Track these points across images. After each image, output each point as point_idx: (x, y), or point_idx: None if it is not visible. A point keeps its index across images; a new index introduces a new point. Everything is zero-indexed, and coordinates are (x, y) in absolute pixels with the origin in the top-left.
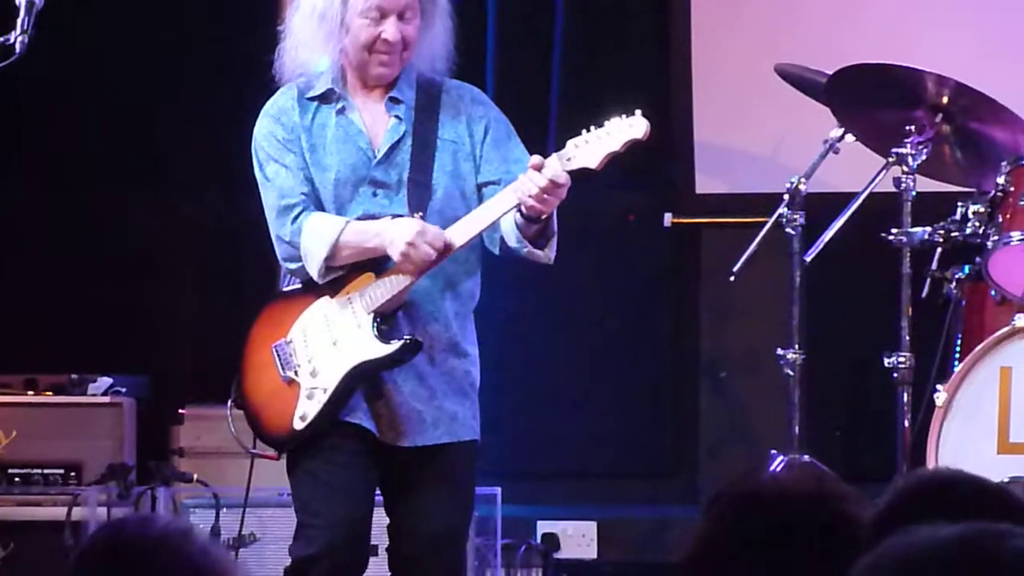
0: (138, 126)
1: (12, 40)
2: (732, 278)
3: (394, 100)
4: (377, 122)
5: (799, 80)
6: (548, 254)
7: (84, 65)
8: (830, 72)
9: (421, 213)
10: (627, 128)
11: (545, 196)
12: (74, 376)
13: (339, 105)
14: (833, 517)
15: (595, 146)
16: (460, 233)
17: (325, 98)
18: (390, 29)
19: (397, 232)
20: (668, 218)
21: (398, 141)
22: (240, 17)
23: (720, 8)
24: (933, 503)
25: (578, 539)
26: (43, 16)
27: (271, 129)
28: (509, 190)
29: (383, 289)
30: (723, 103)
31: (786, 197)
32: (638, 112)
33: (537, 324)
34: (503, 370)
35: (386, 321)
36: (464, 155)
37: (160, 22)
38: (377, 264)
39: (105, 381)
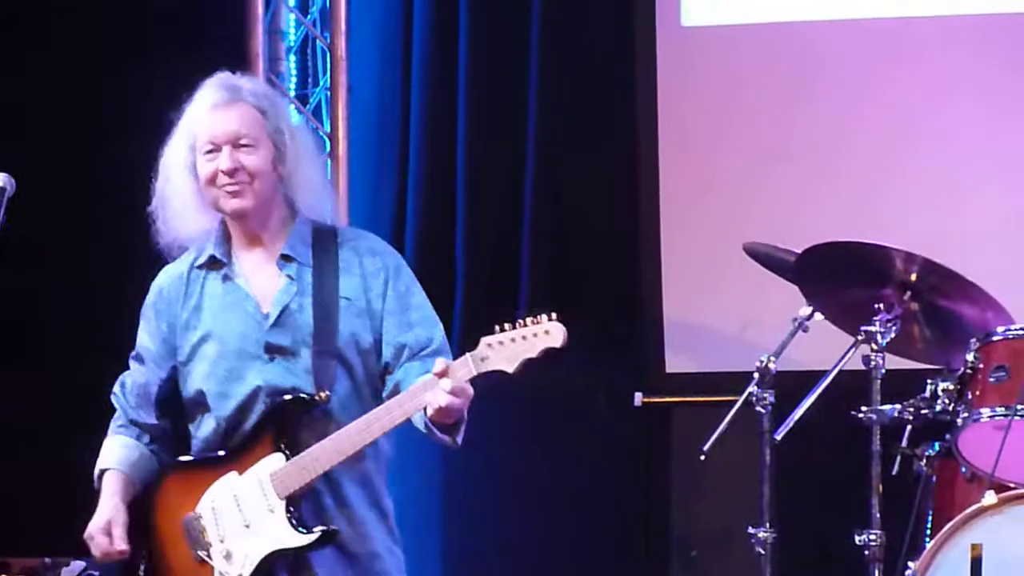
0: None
1: None
2: (703, 457)
3: (286, 258)
4: (267, 283)
5: (767, 258)
6: (456, 440)
7: None
8: (798, 250)
9: (326, 393)
10: (544, 336)
11: (450, 407)
12: (47, 560)
13: (224, 271)
14: None
15: (511, 349)
16: (343, 445)
17: (212, 264)
18: (224, 159)
19: (96, 516)
20: (638, 397)
21: (290, 303)
22: None
23: (688, 187)
24: None
25: None
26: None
27: (151, 307)
28: (407, 396)
29: (296, 476)
30: (692, 281)
31: (756, 375)
32: (554, 316)
33: (507, 500)
34: (474, 545)
35: (298, 506)
36: (360, 311)
37: None
38: (287, 443)
39: (78, 565)
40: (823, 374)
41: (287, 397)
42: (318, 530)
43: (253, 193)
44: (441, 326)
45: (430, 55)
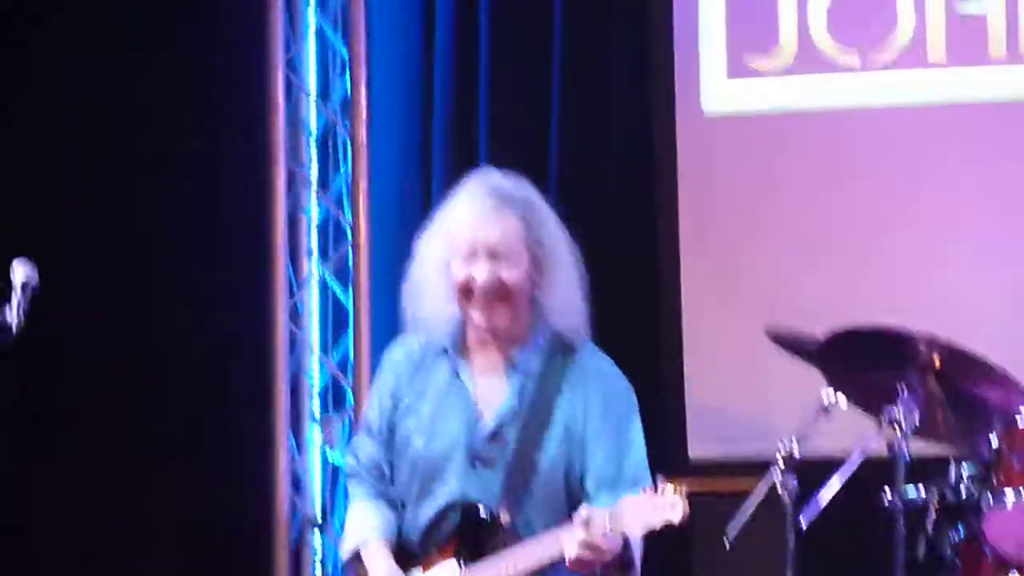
0: None
1: (8, 321)
2: (727, 542)
3: (515, 366)
4: (491, 391)
5: (790, 343)
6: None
7: None
8: (820, 334)
9: (507, 517)
10: (669, 509)
11: (580, 560)
12: None
13: (454, 366)
14: None
15: (644, 514)
16: None
17: (444, 353)
18: (481, 270)
19: None
20: (660, 483)
21: (509, 420)
22: None
23: (709, 274)
24: None
25: None
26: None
27: (376, 393)
28: (551, 535)
29: None
30: (714, 367)
31: (779, 461)
32: (682, 491)
33: None
34: None
35: None
36: (571, 437)
37: None
38: (464, 555)
39: None
40: (846, 459)
41: (476, 512)
42: None
43: (506, 309)
44: (647, 466)
45: (450, 145)
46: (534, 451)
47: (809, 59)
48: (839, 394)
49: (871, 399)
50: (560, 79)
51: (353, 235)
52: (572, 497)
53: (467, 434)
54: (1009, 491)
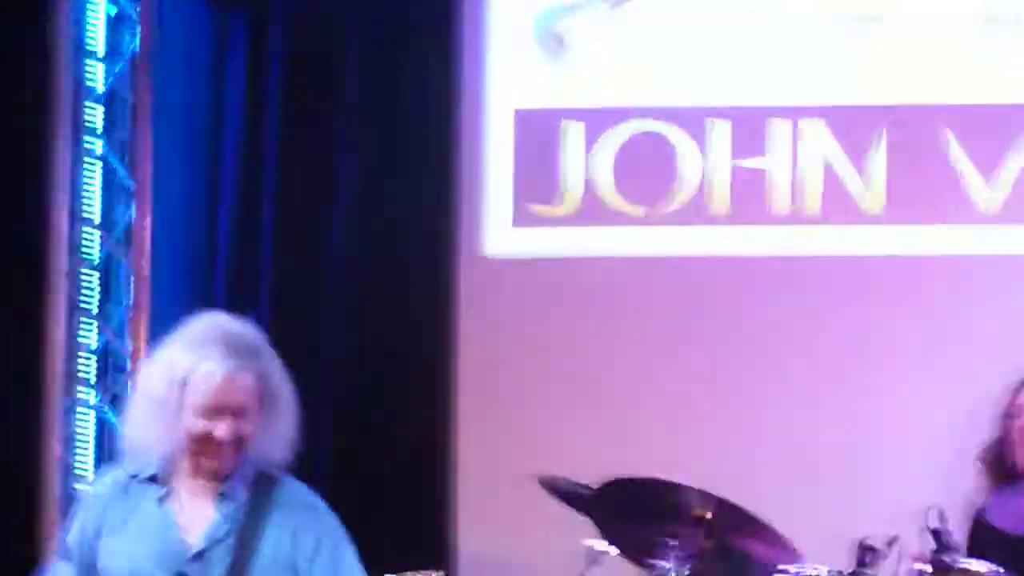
0: None
1: None
2: None
3: (224, 496)
4: (198, 517)
5: (563, 492)
6: None
7: None
8: (594, 485)
9: None
10: None
11: None
12: None
13: (162, 492)
14: None
15: None
16: None
17: (153, 480)
18: (223, 428)
19: None
20: None
21: (217, 541)
22: None
23: (486, 418)
24: None
25: None
26: None
27: (78, 522)
28: None
29: None
30: (486, 513)
31: None
32: (440, 573)
33: None
34: None
35: None
36: (282, 566)
37: None
38: None
39: None
40: None
41: None
42: None
43: (234, 456)
44: None
45: (233, 287)
46: (244, 573)
47: (594, 210)
48: (610, 545)
49: (641, 550)
50: (343, 223)
51: (133, 363)
52: None
53: (171, 556)
54: None
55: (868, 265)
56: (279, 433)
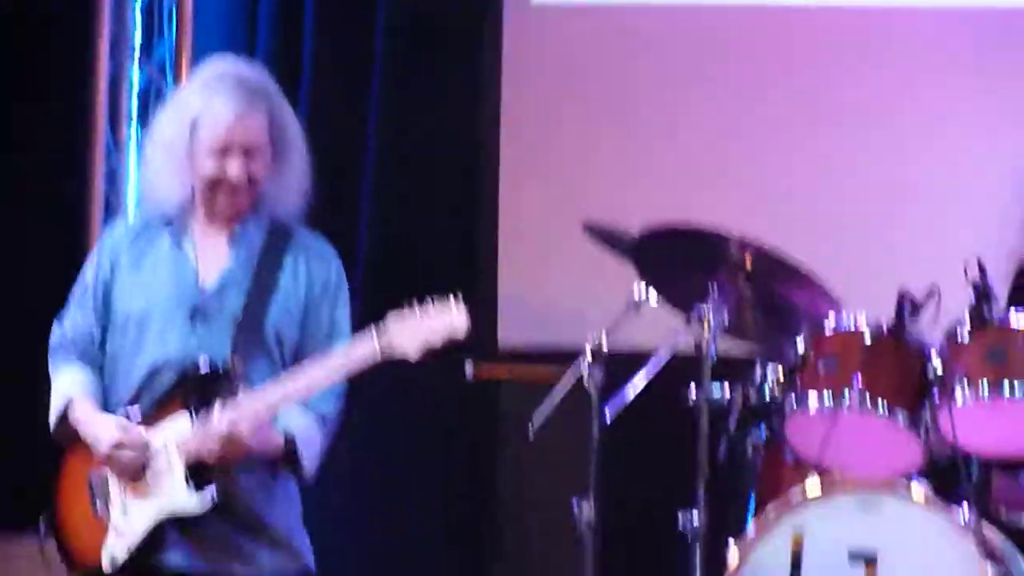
0: None
1: None
2: (531, 432)
3: (238, 238)
4: (213, 257)
5: (605, 237)
6: (302, 472)
7: None
8: (636, 230)
9: (242, 365)
10: (450, 328)
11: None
12: None
13: (177, 236)
14: None
15: (417, 336)
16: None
17: (168, 223)
18: (234, 167)
19: (100, 431)
20: (469, 368)
21: (230, 281)
22: None
23: (527, 163)
24: None
25: None
26: None
27: (94, 262)
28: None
29: (200, 441)
30: (528, 256)
31: (588, 354)
32: (459, 303)
33: (332, 471)
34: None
35: (199, 472)
36: (292, 308)
37: None
38: (196, 409)
39: None
40: (654, 355)
41: (205, 367)
42: (212, 493)
43: (249, 198)
44: None
45: (277, 16)
46: (260, 312)
47: None
48: (650, 290)
49: (681, 297)
50: None
51: None
52: (286, 364)
53: (187, 293)
54: (812, 394)
55: (913, 14)
56: (292, 178)
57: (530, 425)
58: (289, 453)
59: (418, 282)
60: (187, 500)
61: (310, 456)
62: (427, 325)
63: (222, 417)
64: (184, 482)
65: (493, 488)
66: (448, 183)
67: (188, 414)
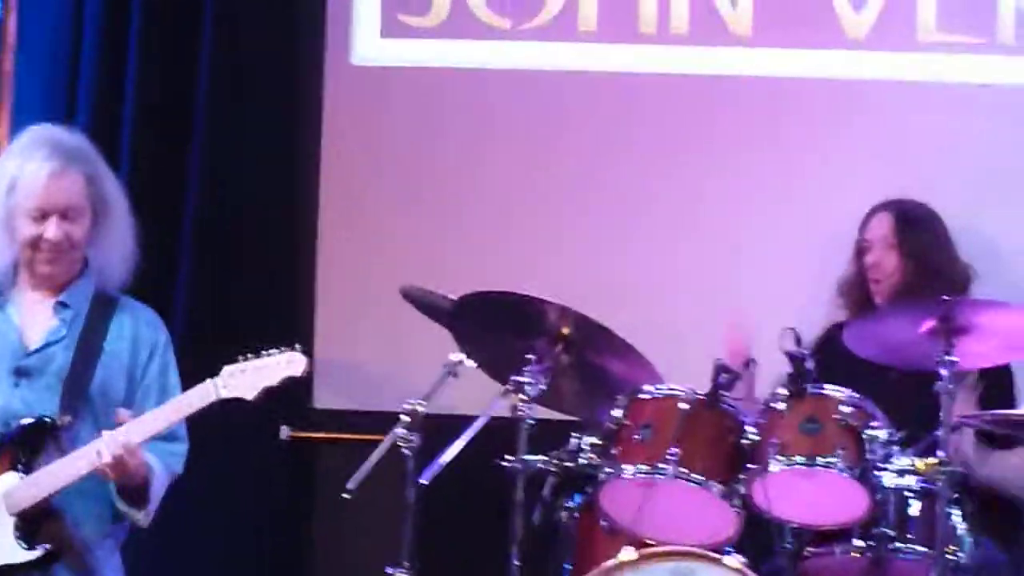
0: None
1: None
2: (347, 495)
3: (63, 305)
4: (36, 322)
5: (423, 303)
6: (143, 515)
7: None
8: (454, 296)
9: (69, 418)
10: (285, 364)
11: (118, 461)
12: None
13: (2, 300)
14: None
15: (252, 377)
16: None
17: None
18: (52, 229)
19: None
20: (285, 431)
21: (56, 342)
22: None
23: (346, 224)
24: None
25: None
26: None
27: None
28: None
29: (28, 493)
30: (346, 319)
31: (404, 418)
32: (297, 348)
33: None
34: None
35: (28, 524)
36: (120, 368)
37: None
38: (24, 463)
39: None
40: (472, 420)
41: (30, 420)
42: (41, 548)
43: (69, 260)
44: None
45: (97, 89)
46: (86, 372)
47: (462, 21)
48: (468, 356)
49: (500, 363)
50: (211, 34)
51: None
52: (112, 424)
53: (10, 353)
54: (628, 463)
55: (736, 85)
56: (114, 243)
57: (346, 489)
58: (140, 489)
59: (236, 342)
60: (16, 554)
61: (155, 498)
62: (266, 368)
63: (113, 438)
64: (13, 536)
65: (310, 550)
66: (266, 244)
67: (15, 468)
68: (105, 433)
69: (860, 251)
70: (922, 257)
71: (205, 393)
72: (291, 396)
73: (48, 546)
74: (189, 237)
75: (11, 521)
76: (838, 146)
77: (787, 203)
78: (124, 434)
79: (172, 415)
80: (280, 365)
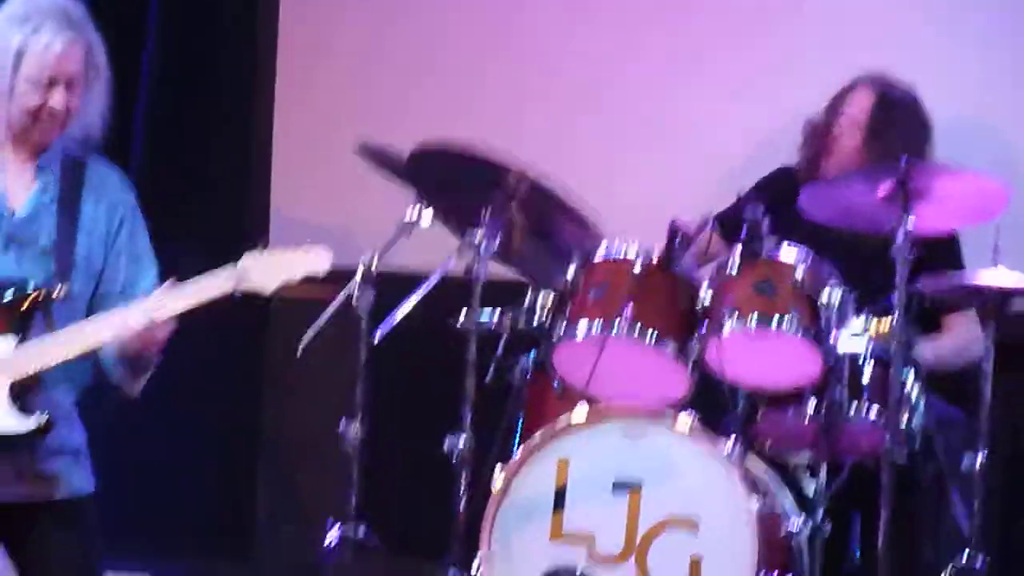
0: None
1: None
2: (299, 353)
3: (42, 169)
4: (20, 186)
5: (379, 158)
6: (137, 385)
7: None
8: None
9: (66, 287)
10: (311, 260)
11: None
12: None
13: None
14: None
15: (273, 270)
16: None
17: None
18: (57, 98)
19: None
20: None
21: (40, 206)
22: None
23: (303, 81)
24: None
25: None
26: None
27: None
28: (140, 305)
29: (23, 363)
30: (302, 175)
31: (358, 274)
32: (322, 248)
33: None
34: None
35: (22, 392)
36: (99, 238)
37: None
38: (20, 330)
39: None
40: (426, 277)
41: (25, 287)
42: (37, 417)
43: (62, 127)
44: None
45: None
46: (70, 239)
47: None
48: (423, 211)
49: (454, 219)
50: None
51: None
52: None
53: None
54: (581, 322)
55: None
56: (97, 108)
57: (298, 345)
58: (147, 362)
59: (192, 200)
60: (12, 424)
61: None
62: (287, 261)
63: (144, 310)
64: (8, 404)
65: (263, 410)
66: (224, 101)
67: (11, 333)
68: (134, 303)
69: (833, 112)
70: (889, 152)
71: (224, 282)
72: (244, 252)
73: (47, 415)
74: (146, 94)
75: (6, 388)
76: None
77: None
78: (155, 306)
79: (192, 298)
80: (304, 260)
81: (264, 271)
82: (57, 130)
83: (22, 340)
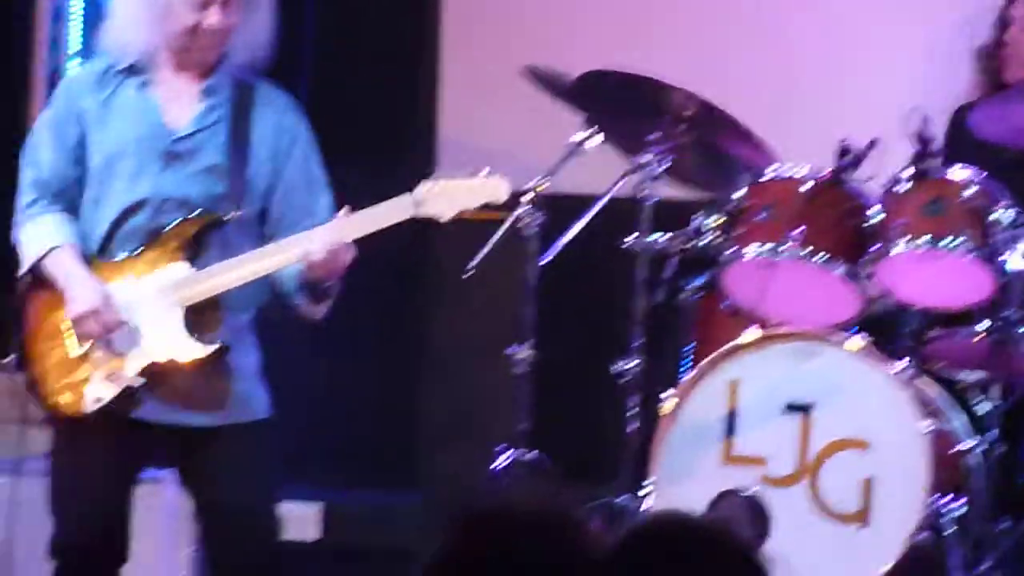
0: None
1: None
2: (467, 275)
3: (209, 91)
4: (182, 105)
5: (547, 81)
6: (320, 310)
7: None
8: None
9: (240, 212)
10: (490, 189)
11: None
12: None
13: (142, 79)
14: (563, 554)
15: (450, 197)
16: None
17: (132, 71)
18: (214, 17)
19: (80, 293)
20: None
21: (205, 127)
22: None
23: (472, 5)
24: (657, 551)
25: (300, 521)
26: None
27: (57, 106)
28: (316, 233)
29: (201, 287)
30: (470, 98)
31: (526, 197)
32: (499, 177)
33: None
34: None
35: (197, 316)
36: (268, 160)
37: None
38: (194, 255)
39: None
40: (594, 199)
41: (201, 211)
42: (213, 342)
43: (220, 47)
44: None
45: None
46: (241, 163)
47: None
48: (591, 134)
49: (622, 142)
50: None
51: None
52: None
53: (156, 137)
54: (751, 244)
55: None
56: (258, 28)
57: (467, 268)
58: (330, 287)
59: (359, 127)
60: (187, 351)
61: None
62: (465, 189)
63: (330, 234)
64: (184, 329)
65: (431, 331)
66: (390, 28)
67: (185, 258)
68: (314, 230)
69: (1002, 23)
70: None
71: (402, 208)
72: (413, 175)
73: (223, 340)
74: (312, 23)
75: (180, 314)
76: None
77: None
78: (339, 231)
79: (369, 224)
80: (482, 188)
81: (441, 199)
82: (216, 49)
83: (196, 265)
